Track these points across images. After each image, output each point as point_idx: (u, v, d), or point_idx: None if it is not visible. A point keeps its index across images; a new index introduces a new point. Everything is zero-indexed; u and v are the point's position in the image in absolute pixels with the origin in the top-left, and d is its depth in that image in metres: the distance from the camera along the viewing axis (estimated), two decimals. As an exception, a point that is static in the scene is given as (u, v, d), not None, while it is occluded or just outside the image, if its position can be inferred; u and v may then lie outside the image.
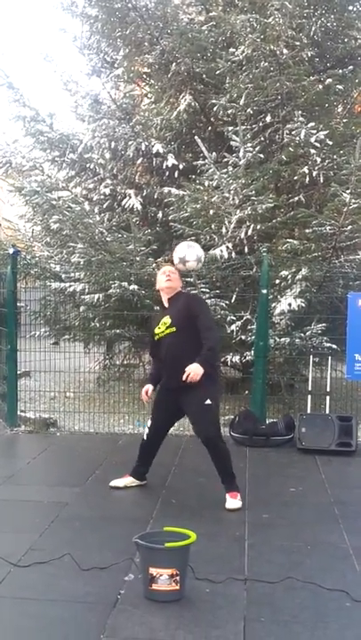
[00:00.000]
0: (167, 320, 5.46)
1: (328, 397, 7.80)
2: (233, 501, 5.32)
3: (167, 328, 5.45)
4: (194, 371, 5.18)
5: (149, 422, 5.76)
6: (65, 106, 31.40)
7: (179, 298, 5.61)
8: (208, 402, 5.33)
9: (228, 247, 8.14)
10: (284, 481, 5.95)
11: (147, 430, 5.77)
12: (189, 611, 3.64)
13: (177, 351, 5.36)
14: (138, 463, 5.84)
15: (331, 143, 8.61)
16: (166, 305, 5.61)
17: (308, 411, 7.74)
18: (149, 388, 5.66)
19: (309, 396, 7.85)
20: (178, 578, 3.72)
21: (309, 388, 7.91)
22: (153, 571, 3.70)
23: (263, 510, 5.28)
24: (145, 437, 5.79)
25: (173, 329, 5.42)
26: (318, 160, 8.58)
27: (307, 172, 8.63)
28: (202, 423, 5.42)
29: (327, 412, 7.68)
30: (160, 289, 5.65)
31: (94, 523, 5.01)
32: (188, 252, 5.61)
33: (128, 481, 5.79)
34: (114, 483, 5.78)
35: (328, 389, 7.83)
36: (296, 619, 3.57)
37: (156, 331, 5.55)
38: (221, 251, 8.09)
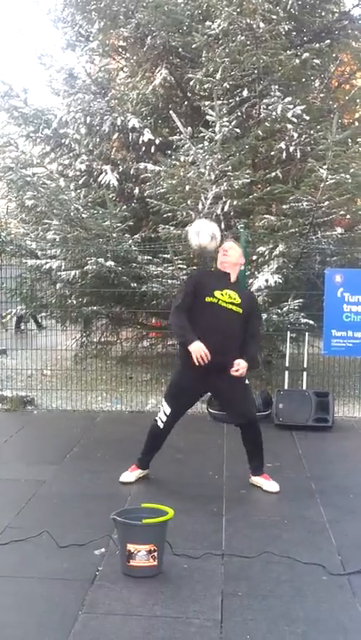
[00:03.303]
0: (235, 297, 5.15)
1: (305, 373, 7.84)
2: (272, 484, 5.26)
3: (233, 305, 5.12)
4: (244, 367, 5.04)
5: (168, 409, 5.28)
6: (39, 80, 31.01)
7: (242, 288, 5.48)
8: (247, 381, 5.33)
9: (204, 223, 8.10)
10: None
11: (163, 418, 5.30)
12: (167, 586, 3.66)
13: (235, 333, 5.09)
14: (149, 454, 5.45)
15: (308, 118, 8.57)
16: (232, 279, 5.27)
17: (286, 387, 7.78)
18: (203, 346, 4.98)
19: (287, 372, 7.89)
20: (156, 554, 3.74)
21: (287, 364, 7.94)
22: (131, 547, 3.72)
23: (241, 486, 5.31)
24: (160, 426, 5.31)
25: (240, 310, 5.13)
26: (295, 135, 8.53)
27: (284, 147, 8.58)
28: (247, 404, 5.37)
29: (304, 387, 7.72)
30: (219, 264, 5.35)
31: (72, 500, 5.01)
32: (202, 238, 5.26)
33: (138, 473, 5.42)
34: (125, 478, 5.36)
35: (305, 365, 7.87)
36: (273, 593, 3.60)
37: (217, 294, 5.11)
38: (198, 227, 8.04)
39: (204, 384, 5.24)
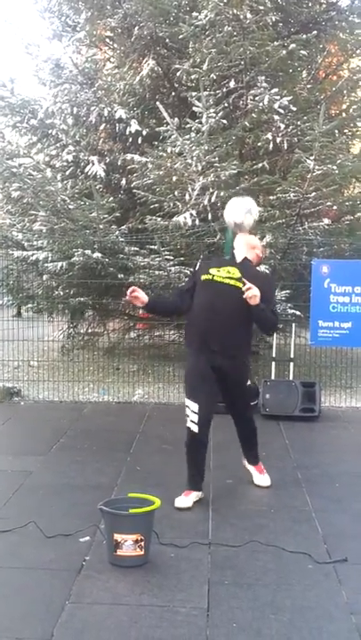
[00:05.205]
0: (234, 271, 4.82)
1: (292, 364, 7.87)
2: (264, 478, 5.20)
3: (231, 279, 4.79)
4: (255, 291, 4.56)
5: (194, 405, 4.78)
6: (26, 70, 30.79)
7: (251, 267, 5.06)
8: (249, 383, 5.19)
9: (191, 214, 8.09)
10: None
11: (195, 418, 4.78)
12: (154, 575, 3.67)
13: (233, 308, 4.72)
14: (194, 472, 4.87)
15: (295, 109, 8.57)
16: (238, 259, 4.96)
17: (273, 377, 7.79)
18: (137, 289, 4.86)
19: (273, 363, 7.91)
20: (142, 543, 3.75)
21: (273, 355, 7.96)
22: (117, 537, 3.73)
23: (227, 475, 5.34)
24: (195, 429, 4.78)
25: (240, 285, 4.68)
26: (282, 126, 8.54)
27: (270, 138, 8.59)
28: (244, 402, 5.25)
29: (291, 378, 7.74)
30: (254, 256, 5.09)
31: (59, 491, 5.01)
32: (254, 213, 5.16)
33: (194, 496, 4.79)
34: (181, 504, 4.70)
35: (292, 356, 7.89)
36: (259, 581, 3.62)
37: (213, 271, 4.86)
38: (185, 218, 8.03)
39: (212, 367, 4.82)
